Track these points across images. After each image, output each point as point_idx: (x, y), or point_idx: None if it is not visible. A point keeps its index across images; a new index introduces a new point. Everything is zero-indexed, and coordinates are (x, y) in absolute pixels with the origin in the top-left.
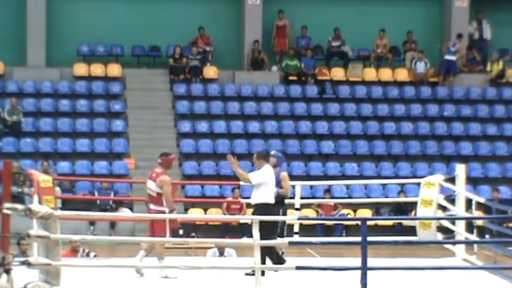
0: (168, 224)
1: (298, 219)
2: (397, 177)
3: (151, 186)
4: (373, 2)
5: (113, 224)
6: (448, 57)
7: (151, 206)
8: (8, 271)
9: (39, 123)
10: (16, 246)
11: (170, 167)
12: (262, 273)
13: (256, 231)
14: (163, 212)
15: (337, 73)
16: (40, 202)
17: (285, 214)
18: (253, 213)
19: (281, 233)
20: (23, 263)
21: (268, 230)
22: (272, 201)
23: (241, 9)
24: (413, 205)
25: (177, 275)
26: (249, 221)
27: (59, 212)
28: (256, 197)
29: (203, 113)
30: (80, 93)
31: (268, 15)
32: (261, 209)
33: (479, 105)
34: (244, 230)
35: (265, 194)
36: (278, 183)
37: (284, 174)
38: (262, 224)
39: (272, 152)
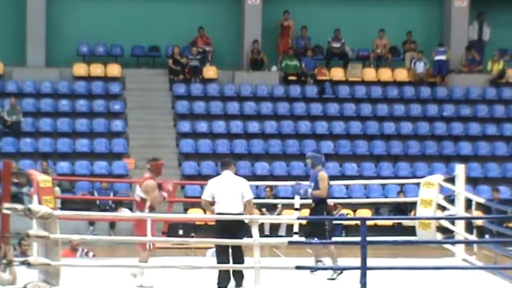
0: (150, 228)
1: (298, 219)
2: (396, 177)
3: (137, 191)
4: (372, 2)
5: (112, 224)
6: (437, 57)
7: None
8: (9, 264)
9: (39, 123)
10: (16, 246)
11: (160, 173)
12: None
13: (255, 231)
14: (144, 219)
15: (337, 73)
16: (40, 202)
17: (327, 215)
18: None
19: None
20: (23, 263)
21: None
22: (222, 210)
23: (240, 9)
24: (412, 205)
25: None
26: (249, 221)
27: (58, 212)
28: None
29: (203, 113)
30: (79, 93)
31: (268, 15)
32: (215, 226)
33: (479, 105)
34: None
35: (217, 205)
36: (316, 184)
37: (322, 175)
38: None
39: (308, 154)
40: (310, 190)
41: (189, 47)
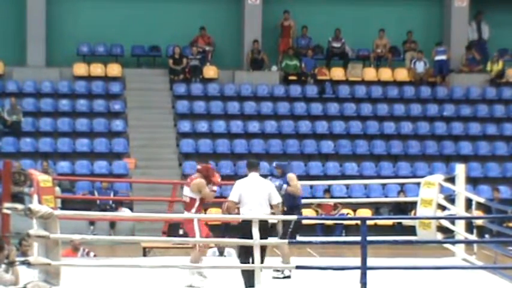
0: (198, 226)
1: (298, 218)
2: (396, 177)
3: (184, 191)
4: (372, 2)
5: (112, 224)
6: (437, 57)
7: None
8: (11, 264)
9: (39, 123)
10: (17, 246)
11: (210, 175)
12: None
13: (256, 231)
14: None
15: (337, 73)
16: (40, 202)
17: (296, 223)
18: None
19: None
20: (23, 262)
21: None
22: (248, 213)
23: (241, 9)
24: (413, 205)
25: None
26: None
27: (58, 212)
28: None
29: (203, 113)
30: (79, 93)
31: (268, 15)
32: (240, 228)
33: (479, 105)
34: None
35: (244, 209)
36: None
37: (290, 175)
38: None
39: (274, 164)
40: (285, 186)
41: (190, 47)
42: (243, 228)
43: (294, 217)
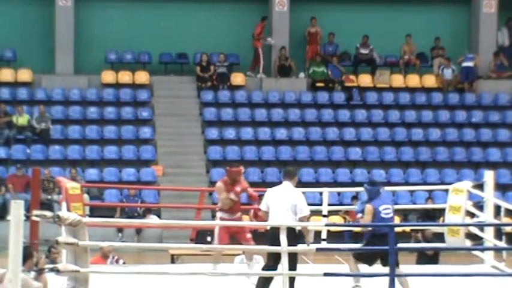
0: (219, 232)
1: (326, 225)
2: (425, 183)
3: None
4: (400, 8)
5: (138, 231)
6: (465, 63)
7: None
8: (40, 271)
9: (68, 131)
10: (47, 253)
11: (235, 180)
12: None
13: (283, 238)
14: (221, 219)
15: (365, 79)
16: (68, 209)
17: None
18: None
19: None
20: (52, 270)
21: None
22: (273, 223)
23: (268, 16)
24: (441, 212)
25: None
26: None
27: (87, 219)
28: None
29: (230, 120)
30: (107, 100)
31: (296, 22)
32: (268, 236)
33: (508, 111)
34: None
35: (270, 217)
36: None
37: (367, 208)
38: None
39: (364, 186)
40: (360, 215)
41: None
42: (268, 236)
43: (323, 223)
